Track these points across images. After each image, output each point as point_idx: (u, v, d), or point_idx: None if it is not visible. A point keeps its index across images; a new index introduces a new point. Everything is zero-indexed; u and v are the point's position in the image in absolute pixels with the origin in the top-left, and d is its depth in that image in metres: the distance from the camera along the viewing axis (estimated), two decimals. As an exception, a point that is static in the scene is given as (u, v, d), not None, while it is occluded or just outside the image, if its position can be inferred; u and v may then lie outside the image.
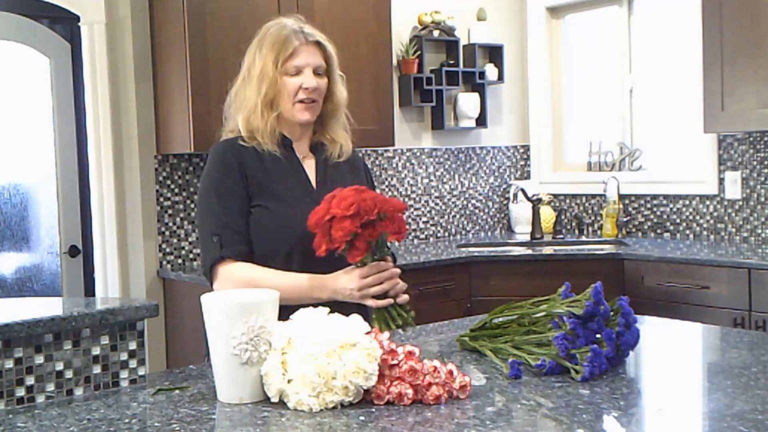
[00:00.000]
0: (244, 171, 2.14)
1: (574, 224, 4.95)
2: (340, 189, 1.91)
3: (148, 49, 3.89)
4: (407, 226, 4.73)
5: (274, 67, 2.14)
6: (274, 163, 2.17)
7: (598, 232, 4.83)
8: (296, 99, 2.15)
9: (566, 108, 5.17)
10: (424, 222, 4.83)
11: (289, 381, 1.59)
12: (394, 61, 4.53)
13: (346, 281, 2.00)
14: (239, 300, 1.65)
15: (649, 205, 4.64)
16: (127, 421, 1.57)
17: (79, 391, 1.74)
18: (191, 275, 3.75)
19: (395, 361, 1.61)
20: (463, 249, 4.46)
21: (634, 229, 4.71)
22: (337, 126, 2.26)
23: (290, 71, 2.14)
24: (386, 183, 4.67)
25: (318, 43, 2.19)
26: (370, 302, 1.99)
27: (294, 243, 2.10)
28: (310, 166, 2.24)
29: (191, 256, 4.01)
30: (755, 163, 4.18)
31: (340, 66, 2.26)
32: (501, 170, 5.16)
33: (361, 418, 1.53)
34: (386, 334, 1.66)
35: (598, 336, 1.81)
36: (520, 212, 4.98)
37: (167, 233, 3.96)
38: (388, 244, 2.01)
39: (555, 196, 5.06)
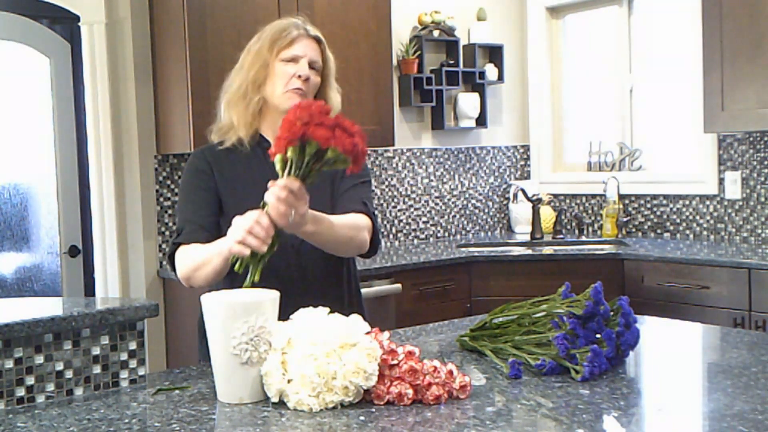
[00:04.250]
0: (215, 176, 2.14)
1: (574, 224, 4.95)
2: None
3: (148, 49, 3.89)
4: (407, 225, 4.73)
5: (269, 52, 2.12)
6: (248, 168, 2.15)
7: (598, 232, 4.83)
8: (288, 87, 2.11)
9: (566, 108, 5.18)
10: (424, 222, 4.83)
11: (289, 381, 1.59)
12: (394, 61, 4.53)
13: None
14: (239, 300, 1.65)
15: (649, 205, 4.64)
16: (127, 421, 1.57)
17: (79, 391, 1.74)
18: (191, 275, 3.74)
19: (395, 361, 1.61)
20: (463, 249, 4.46)
21: (634, 229, 4.71)
22: None
23: (286, 58, 2.12)
24: (386, 183, 4.67)
25: (318, 40, 2.17)
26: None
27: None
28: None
29: (191, 256, 4.01)
30: (755, 163, 4.18)
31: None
32: (501, 170, 5.16)
33: (361, 418, 1.53)
34: (386, 334, 1.66)
35: (598, 336, 1.81)
36: (520, 212, 4.98)
37: (167, 233, 3.96)
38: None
39: (555, 196, 5.06)
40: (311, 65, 2.14)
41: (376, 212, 4.52)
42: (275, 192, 1.77)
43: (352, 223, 2.08)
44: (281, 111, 2.12)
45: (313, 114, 1.69)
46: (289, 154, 1.74)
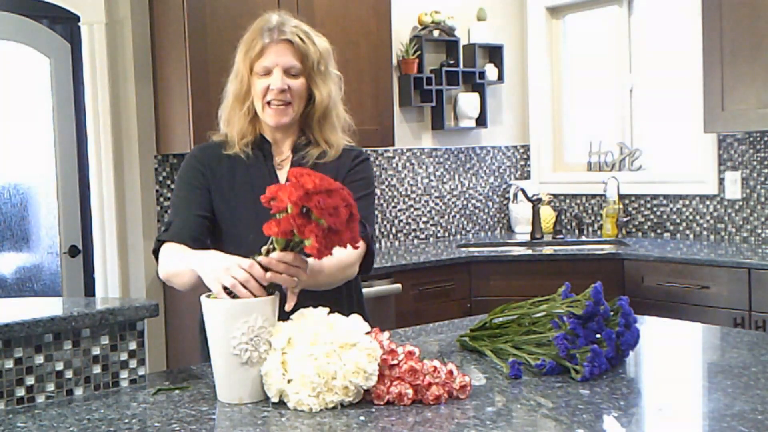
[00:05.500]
0: (209, 179, 2.11)
1: (574, 224, 4.95)
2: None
3: (148, 49, 3.89)
4: (407, 225, 4.73)
5: (244, 65, 2.08)
6: (246, 173, 2.11)
7: (598, 232, 4.83)
8: (265, 101, 2.06)
9: (566, 108, 5.18)
10: (424, 222, 4.83)
11: (289, 381, 1.59)
12: (394, 61, 4.53)
13: (233, 259, 1.71)
14: (239, 300, 1.65)
15: (649, 205, 4.64)
16: (127, 421, 1.57)
17: (79, 391, 1.74)
18: (191, 275, 3.74)
19: (395, 361, 1.61)
20: (463, 249, 4.46)
21: (634, 229, 4.71)
22: (323, 128, 2.13)
23: (259, 71, 2.06)
24: (386, 183, 4.67)
25: (290, 42, 2.06)
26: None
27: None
28: (285, 172, 2.13)
29: (191, 256, 4.01)
30: (755, 163, 4.18)
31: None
32: (501, 170, 5.16)
33: (361, 418, 1.53)
34: (386, 334, 1.66)
35: (598, 336, 1.81)
36: (520, 212, 4.98)
37: (167, 233, 3.95)
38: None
39: (555, 196, 5.06)
40: (288, 71, 2.05)
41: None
42: (280, 269, 1.67)
43: (344, 263, 1.96)
44: (267, 123, 2.11)
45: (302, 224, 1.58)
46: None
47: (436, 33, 4.77)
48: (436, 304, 3.98)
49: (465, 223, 5.01)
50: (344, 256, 1.96)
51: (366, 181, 2.16)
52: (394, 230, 4.70)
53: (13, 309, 1.81)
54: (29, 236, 4.42)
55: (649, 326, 2.30)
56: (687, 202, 4.47)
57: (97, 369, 1.76)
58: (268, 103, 2.07)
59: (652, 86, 4.76)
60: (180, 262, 1.96)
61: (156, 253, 2.08)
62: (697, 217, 4.43)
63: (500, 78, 4.97)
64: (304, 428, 1.49)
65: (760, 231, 4.18)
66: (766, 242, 4.16)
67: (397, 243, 4.71)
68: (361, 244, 2.06)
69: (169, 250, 2.03)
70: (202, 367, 1.95)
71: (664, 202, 4.57)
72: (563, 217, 4.98)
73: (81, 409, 1.64)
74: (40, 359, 1.69)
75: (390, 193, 4.68)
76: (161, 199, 3.95)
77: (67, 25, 4.38)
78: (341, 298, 2.17)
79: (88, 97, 3.88)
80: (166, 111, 3.83)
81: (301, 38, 2.07)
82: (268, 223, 1.61)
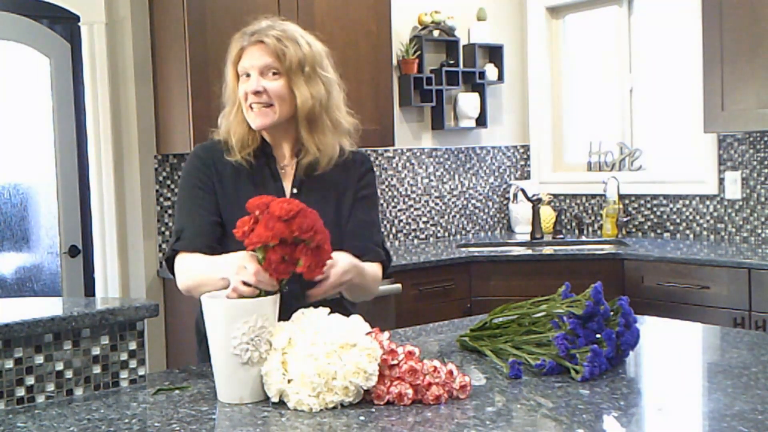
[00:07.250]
0: (214, 180, 2.08)
1: (574, 224, 4.95)
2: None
3: (148, 49, 3.89)
4: (407, 225, 4.73)
5: (230, 72, 2.07)
6: (249, 176, 2.08)
7: (598, 232, 4.83)
8: (248, 104, 2.03)
9: (566, 108, 5.18)
10: (424, 222, 4.83)
11: (289, 381, 1.59)
12: (394, 61, 4.53)
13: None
14: (239, 300, 1.65)
15: (649, 205, 4.64)
16: (127, 421, 1.57)
17: (79, 391, 1.74)
18: (191, 275, 3.74)
19: (395, 361, 1.61)
20: (463, 249, 4.46)
21: (634, 229, 4.71)
22: (312, 132, 2.07)
23: (241, 75, 2.04)
24: (386, 183, 4.67)
25: (264, 43, 2.02)
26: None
27: None
28: (289, 176, 2.11)
29: (191, 256, 4.00)
30: (755, 163, 4.18)
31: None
32: (501, 170, 5.16)
33: (361, 418, 1.53)
34: (386, 334, 1.66)
35: (598, 336, 1.81)
36: (520, 212, 4.98)
37: (167, 233, 3.96)
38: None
39: (555, 196, 5.06)
40: (264, 73, 2.01)
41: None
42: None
43: (376, 276, 2.08)
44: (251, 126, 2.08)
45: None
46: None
47: (436, 33, 4.77)
48: (436, 304, 3.98)
49: (465, 223, 5.01)
50: (377, 272, 2.09)
51: (375, 194, 2.22)
52: (394, 230, 4.70)
53: (13, 309, 1.81)
54: (29, 236, 4.42)
55: (649, 326, 2.30)
56: (687, 202, 4.47)
57: (97, 369, 1.76)
58: (250, 106, 2.04)
59: (652, 86, 4.76)
60: (209, 269, 1.89)
61: (169, 261, 2.05)
62: (697, 217, 4.43)
63: (500, 78, 4.97)
64: (304, 428, 1.49)
65: (760, 231, 4.18)
66: (766, 242, 4.16)
67: (397, 243, 4.71)
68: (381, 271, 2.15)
69: (186, 260, 2.01)
70: (202, 367, 1.95)
71: (664, 202, 4.57)
72: (563, 217, 4.98)
73: (81, 409, 1.64)
74: (40, 359, 1.69)
75: (390, 193, 4.68)
76: (161, 199, 3.95)
77: (67, 25, 4.38)
78: (340, 298, 2.16)
79: (88, 97, 3.88)
80: (166, 111, 3.83)
81: (277, 38, 2.02)
82: (271, 269, 1.64)
